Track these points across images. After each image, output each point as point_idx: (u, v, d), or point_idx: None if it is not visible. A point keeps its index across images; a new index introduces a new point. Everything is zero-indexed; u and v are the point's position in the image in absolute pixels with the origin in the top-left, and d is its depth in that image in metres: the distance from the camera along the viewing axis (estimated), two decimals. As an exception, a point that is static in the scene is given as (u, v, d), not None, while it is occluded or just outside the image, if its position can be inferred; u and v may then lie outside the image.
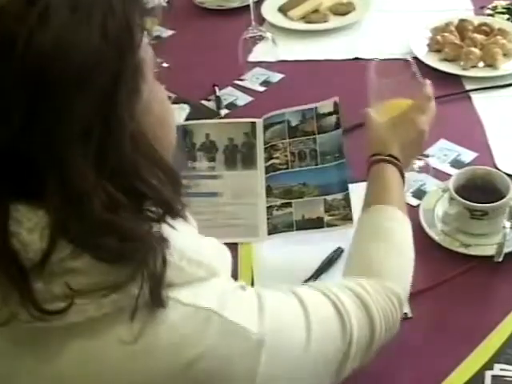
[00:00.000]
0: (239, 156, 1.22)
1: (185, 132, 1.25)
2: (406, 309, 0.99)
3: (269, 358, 0.65)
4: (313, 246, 1.10)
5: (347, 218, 1.09)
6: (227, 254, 0.73)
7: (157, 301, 0.61)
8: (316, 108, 1.22)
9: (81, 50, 0.54)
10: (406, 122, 1.00)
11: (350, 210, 1.09)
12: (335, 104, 1.21)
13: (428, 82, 1.05)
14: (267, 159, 1.20)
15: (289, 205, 1.14)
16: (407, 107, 1.04)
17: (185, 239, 0.66)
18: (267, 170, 1.20)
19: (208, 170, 1.21)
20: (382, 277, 0.81)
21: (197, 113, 1.47)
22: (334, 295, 0.75)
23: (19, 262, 0.56)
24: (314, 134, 1.19)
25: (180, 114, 1.46)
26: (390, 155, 0.97)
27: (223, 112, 1.49)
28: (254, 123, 1.25)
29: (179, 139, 1.13)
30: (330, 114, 1.21)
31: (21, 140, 0.55)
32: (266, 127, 1.24)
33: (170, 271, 0.62)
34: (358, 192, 1.05)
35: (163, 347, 0.61)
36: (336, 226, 1.09)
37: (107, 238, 0.58)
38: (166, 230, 0.63)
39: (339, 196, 1.11)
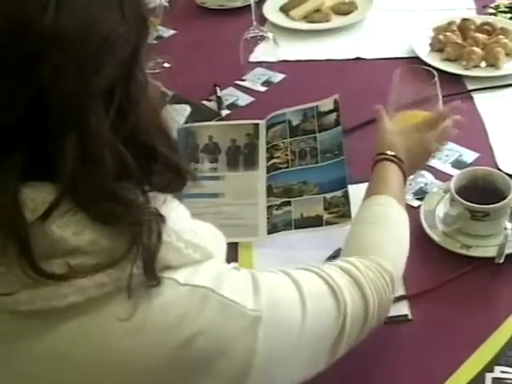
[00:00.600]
0: (241, 157, 1.23)
1: (188, 134, 1.26)
2: (406, 310, 0.99)
3: (266, 334, 0.66)
4: (313, 247, 1.09)
5: (346, 216, 1.08)
6: (222, 239, 0.75)
7: (151, 278, 0.62)
8: (317, 107, 1.22)
9: (104, 24, 0.60)
10: (414, 132, 1.05)
11: (349, 207, 1.09)
12: (335, 101, 1.22)
13: (459, 103, 1.12)
14: (268, 159, 1.21)
15: (288, 203, 1.14)
16: (421, 119, 1.08)
17: (182, 221, 0.68)
18: (268, 169, 1.20)
19: (210, 171, 1.22)
20: (374, 254, 0.84)
21: (198, 113, 1.47)
22: (327, 274, 0.77)
23: (22, 218, 0.58)
24: (315, 133, 1.19)
25: (181, 114, 1.46)
26: (394, 156, 1.00)
27: (224, 112, 1.49)
28: (256, 125, 1.25)
29: (182, 141, 1.23)
30: (330, 111, 1.21)
31: (48, 93, 0.57)
32: (268, 128, 1.24)
33: (168, 252, 0.64)
34: (357, 193, 1.05)
35: (160, 325, 0.62)
36: (335, 223, 1.09)
37: (110, 204, 0.61)
38: (164, 210, 0.65)
39: (338, 193, 1.11)
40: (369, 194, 0.97)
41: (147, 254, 0.62)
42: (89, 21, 0.59)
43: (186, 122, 1.42)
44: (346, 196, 1.10)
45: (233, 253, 1.13)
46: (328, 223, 1.10)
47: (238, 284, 0.68)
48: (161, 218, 0.64)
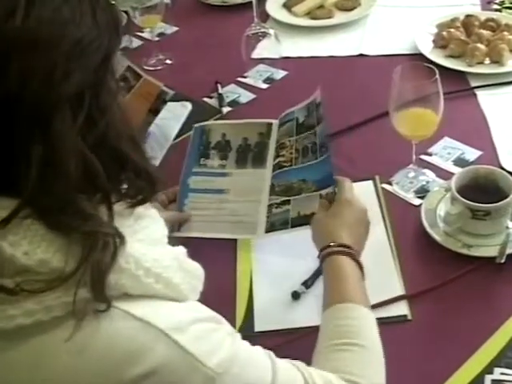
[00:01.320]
0: (251, 155, 1.23)
1: (203, 131, 1.27)
2: (406, 311, 0.99)
3: None
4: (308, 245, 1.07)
5: None
6: (198, 272, 0.72)
7: (100, 300, 0.60)
8: (315, 99, 1.20)
9: (76, 28, 0.60)
10: (344, 205, 0.98)
11: None
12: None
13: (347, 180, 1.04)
14: (275, 158, 1.20)
15: (287, 202, 1.13)
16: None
17: (146, 248, 0.66)
18: (274, 168, 1.19)
19: (219, 168, 1.22)
20: (354, 376, 0.78)
21: (199, 110, 1.46)
22: (308, 373, 0.75)
23: None
24: (315, 127, 1.17)
25: (182, 111, 1.46)
26: (340, 245, 0.92)
27: (225, 110, 1.49)
28: (270, 124, 1.25)
29: (197, 138, 1.25)
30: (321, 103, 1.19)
31: (15, 96, 0.57)
32: (279, 126, 1.24)
33: (125, 279, 0.62)
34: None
35: (103, 358, 0.60)
36: None
37: (69, 216, 0.60)
38: (127, 232, 0.64)
39: (331, 189, 1.08)
40: (331, 300, 0.87)
41: (97, 274, 0.60)
42: (60, 24, 0.59)
43: (187, 120, 1.43)
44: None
45: (232, 250, 1.14)
46: None
47: (206, 339, 0.65)
48: (121, 240, 0.62)
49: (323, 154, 1.11)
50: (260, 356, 0.72)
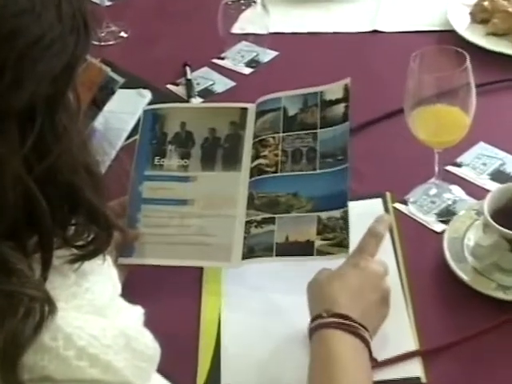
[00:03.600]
0: (220, 152, 1.22)
1: (155, 118, 1.26)
2: (419, 371, 0.99)
3: None
4: (296, 285, 1.07)
5: (343, 245, 1.07)
6: (150, 349, 0.72)
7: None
8: (321, 93, 1.20)
9: (34, 19, 0.60)
10: (354, 273, 0.99)
11: (348, 233, 1.08)
12: (345, 88, 1.19)
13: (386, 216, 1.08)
14: (254, 158, 1.20)
15: (271, 221, 1.13)
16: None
17: (85, 318, 0.65)
18: (252, 172, 1.19)
19: (179, 170, 1.22)
20: None
21: (160, 101, 1.42)
22: None
23: None
24: (316, 128, 1.18)
25: (138, 102, 1.47)
26: (334, 314, 0.92)
27: (195, 101, 1.49)
28: (245, 110, 1.25)
29: (147, 127, 1.24)
30: (337, 101, 1.19)
31: None
32: (258, 115, 1.24)
33: (49, 361, 0.62)
34: (358, 213, 1.06)
35: None
36: (329, 253, 1.08)
37: None
38: (63, 296, 0.64)
39: (337, 214, 1.10)
40: None
41: (10, 349, 0.59)
42: (13, 14, 0.59)
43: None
44: (345, 218, 1.09)
45: (196, 281, 1.15)
46: (320, 253, 1.08)
47: None
48: (50, 308, 0.62)
49: (336, 165, 1.12)
50: None
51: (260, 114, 1.23)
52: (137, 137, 1.26)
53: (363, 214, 1.11)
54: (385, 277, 1.00)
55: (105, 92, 1.32)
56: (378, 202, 1.23)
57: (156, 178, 1.21)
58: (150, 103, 1.46)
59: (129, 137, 1.42)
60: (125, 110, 1.44)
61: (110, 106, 1.35)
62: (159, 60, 1.59)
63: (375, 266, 1.00)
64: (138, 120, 1.35)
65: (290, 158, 1.17)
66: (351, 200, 1.11)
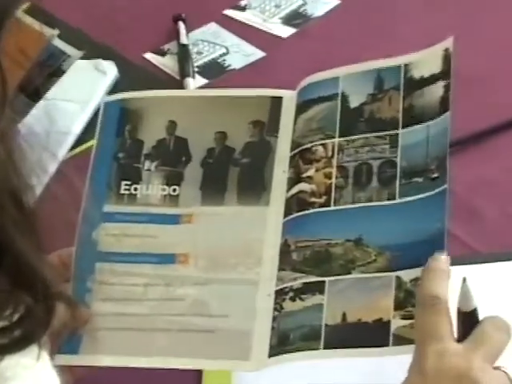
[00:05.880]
0: (234, 173, 1.00)
1: (124, 114, 1.03)
2: None
3: None
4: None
5: None
6: None
7: None
8: (406, 67, 0.96)
9: None
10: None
11: None
12: (445, 56, 0.94)
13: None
14: (292, 182, 0.98)
15: (318, 288, 0.92)
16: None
17: None
18: (288, 206, 0.97)
19: (164, 204, 0.99)
20: None
21: (133, 80, 1.28)
22: None
23: None
24: (396, 128, 0.94)
25: (95, 83, 1.26)
26: None
27: (193, 84, 1.28)
28: (278, 100, 1.02)
29: (106, 131, 1.06)
30: (433, 79, 0.94)
31: None
32: (300, 109, 1.01)
33: None
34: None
35: None
36: (412, 342, 0.86)
37: None
38: None
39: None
40: None
41: None
42: None
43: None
44: None
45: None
46: (400, 340, 0.86)
47: None
48: None
49: (428, 189, 0.90)
50: None
51: (303, 106, 1.01)
52: (91, 144, 1.03)
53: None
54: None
55: (46, 71, 1.20)
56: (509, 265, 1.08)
57: (123, 217, 0.99)
58: (116, 86, 1.29)
59: (77, 144, 1.20)
60: (70, 96, 1.22)
61: (52, 93, 1.19)
62: (134, 11, 1.38)
63: (480, 363, 0.81)
64: (95, 115, 1.16)
65: (352, 180, 0.96)
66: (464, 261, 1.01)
